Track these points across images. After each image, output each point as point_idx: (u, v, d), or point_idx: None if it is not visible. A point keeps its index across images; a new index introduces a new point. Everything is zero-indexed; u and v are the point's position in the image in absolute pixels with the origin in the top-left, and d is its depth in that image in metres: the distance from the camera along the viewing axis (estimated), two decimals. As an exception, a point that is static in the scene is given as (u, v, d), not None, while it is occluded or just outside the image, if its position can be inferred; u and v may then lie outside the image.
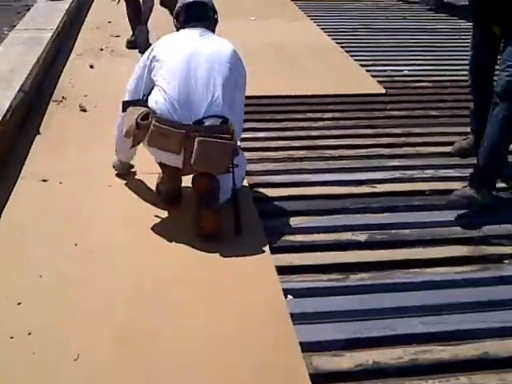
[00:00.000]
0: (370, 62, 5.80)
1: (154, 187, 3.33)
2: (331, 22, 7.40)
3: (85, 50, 5.82)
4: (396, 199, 3.44)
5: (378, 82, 5.26)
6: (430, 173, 3.74)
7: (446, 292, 2.71)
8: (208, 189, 2.94)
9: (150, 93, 3.08)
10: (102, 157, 3.54)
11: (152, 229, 3.02)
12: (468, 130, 4.02)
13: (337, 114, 4.58)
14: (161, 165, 3.16)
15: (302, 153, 3.97)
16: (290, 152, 3.97)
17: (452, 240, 3.09)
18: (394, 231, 3.16)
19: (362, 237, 3.10)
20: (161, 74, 3.05)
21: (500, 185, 3.53)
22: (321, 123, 4.43)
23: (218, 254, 2.82)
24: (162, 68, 3.05)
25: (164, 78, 3.03)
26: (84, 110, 4.38)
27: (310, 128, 4.35)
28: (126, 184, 3.42)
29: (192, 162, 2.87)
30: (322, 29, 6.99)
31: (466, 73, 5.49)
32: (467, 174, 3.57)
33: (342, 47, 6.25)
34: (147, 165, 3.32)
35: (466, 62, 5.82)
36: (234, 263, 2.77)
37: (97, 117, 4.26)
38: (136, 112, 3.00)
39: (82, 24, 6.81)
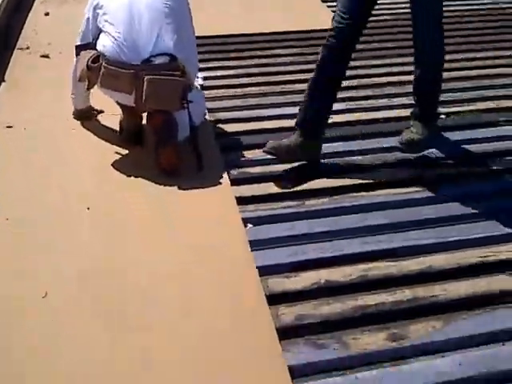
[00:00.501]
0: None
1: (116, 127, 3.43)
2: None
3: (49, -3, 5.79)
4: (350, 129, 3.59)
5: (338, 16, 5.28)
6: (383, 102, 3.88)
7: (393, 212, 2.87)
8: (164, 125, 3.05)
9: (98, 37, 3.16)
10: (68, 101, 3.60)
11: (113, 166, 3.15)
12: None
13: (296, 50, 4.67)
14: (118, 103, 3.27)
15: (262, 88, 4.08)
16: (251, 88, 4.08)
17: (398, 163, 3.26)
18: (347, 158, 3.31)
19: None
20: (105, 19, 3.11)
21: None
22: (281, 59, 4.51)
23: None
24: (106, 14, 3.12)
25: (109, 22, 3.10)
26: (47, 57, 4.42)
27: (270, 64, 4.44)
28: (88, 127, 3.52)
29: (143, 100, 2.97)
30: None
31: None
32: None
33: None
34: (110, 106, 3.41)
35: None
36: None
37: (61, 63, 4.28)
38: (87, 55, 3.09)
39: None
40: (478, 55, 4.59)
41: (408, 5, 5.15)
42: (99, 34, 3.15)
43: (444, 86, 4.00)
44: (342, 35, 3.14)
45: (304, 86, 4.03)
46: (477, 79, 4.21)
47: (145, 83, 2.94)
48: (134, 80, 2.97)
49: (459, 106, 3.85)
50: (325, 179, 3.14)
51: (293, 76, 4.24)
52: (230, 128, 3.60)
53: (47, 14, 5.35)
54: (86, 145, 3.36)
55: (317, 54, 4.52)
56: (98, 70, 3.01)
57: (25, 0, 5.69)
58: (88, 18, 3.22)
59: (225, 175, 3.11)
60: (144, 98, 2.96)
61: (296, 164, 3.22)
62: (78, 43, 3.26)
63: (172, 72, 3.00)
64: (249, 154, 3.34)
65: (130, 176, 3.06)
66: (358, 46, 4.60)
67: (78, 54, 3.22)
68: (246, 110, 3.80)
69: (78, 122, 3.54)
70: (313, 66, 4.29)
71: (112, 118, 3.48)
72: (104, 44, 3.08)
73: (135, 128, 3.33)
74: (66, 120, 3.55)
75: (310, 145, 3.17)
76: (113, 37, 3.05)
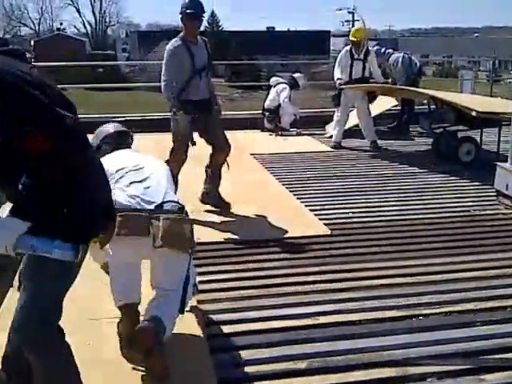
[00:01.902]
0: (319, 207, 6.31)
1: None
2: (286, 172, 7.98)
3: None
4: (335, 329, 3.77)
5: (324, 224, 5.72)
6: (366, 304, 4.09)
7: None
8: (151, 344, 3.16)
9: None
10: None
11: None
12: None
13: (285, 255, 4.96)
14: (120, 308, 3.44)
15: (251, 292, 4.28)
16: (241, 291, 4.30)
17: (380, 363, 3.40)
18: (332, 358, 3.46)
19: (301, 365, 3.40)
20: (117, 180, 3.41)
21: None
22: (270, 264, 4.80)
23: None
24: (116, 176, 3.43)
25: (119, 180, 3.41)
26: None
27: (259, 269, 4.70)
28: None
29: (160, 239, 3.20)
30: (278, 179, 7.53)
31: (406, 212, 6.11)
32: (399, 304, 4.04)
33: (294, 195, 6.78)
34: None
35: (409, 202, 6.49)
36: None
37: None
38: None
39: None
40: (456, 259, 4.88)
41: (390, 212, 5.63)
42: None
43: (425, 288, 4.30)
44: None
45: (290, 289, 4.32)
46: (453, 282, 4.45)
47: (161, 221, 3.22)
48: (150, 221, 3.23)
49: (439, 307, 4.05)
50: (307, 378, 3.29)
51: (280, 280, 4.49)
52: (220, 329, 3.78)
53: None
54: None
55: (302, 258, 4.88)
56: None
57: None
58: None
59: (213, 377, 3.25)
60: (161, 236, 3.20)
61: (284, 365, 3.40)
62: None
63: (182, 215, 3.35)
64: (239, 355, 3.51)
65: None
66: (345, 252, 5.01)
67: None
68: (237, 313, 3.98)
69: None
70: (298, 270, 4.64)
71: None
72: (115, 199, 3.15)
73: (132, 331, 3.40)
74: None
75: None
76: (125, 190, 3.35)
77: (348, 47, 9.63)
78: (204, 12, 5.89)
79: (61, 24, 75.39)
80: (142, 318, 3.40)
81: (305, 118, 11.31)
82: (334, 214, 6.11)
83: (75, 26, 79.49)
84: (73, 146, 2.36)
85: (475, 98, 10.56)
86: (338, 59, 9.78)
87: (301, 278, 4.52)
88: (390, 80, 10.35)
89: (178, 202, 3.43)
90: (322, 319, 3.91)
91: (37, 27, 75.82)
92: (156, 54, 34.94)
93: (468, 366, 3.38)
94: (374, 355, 3.47)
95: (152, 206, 3.33)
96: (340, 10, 56.54)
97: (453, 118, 8.46)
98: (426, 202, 6.52)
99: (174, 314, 3.31)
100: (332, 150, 9.49)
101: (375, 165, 8.44)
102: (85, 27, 76.45)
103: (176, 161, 5.82)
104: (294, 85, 11.29)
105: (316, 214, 6.04)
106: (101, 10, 77.14)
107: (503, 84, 24.27)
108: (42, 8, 77.46)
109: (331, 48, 54.82)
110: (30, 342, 2.51)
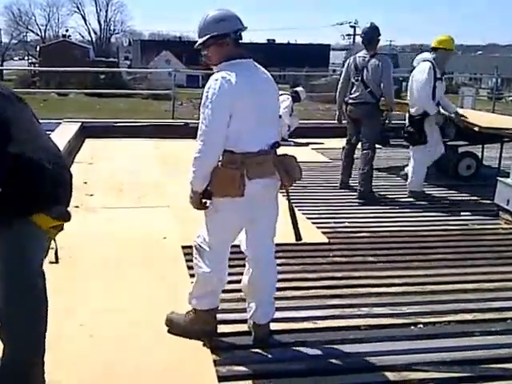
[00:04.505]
0: (317, 216, 6.36)
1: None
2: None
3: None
4: (334, 334, 3.79)
5: (322, 232, 5.77)
6: (364, 310, 4.12)
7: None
8: None
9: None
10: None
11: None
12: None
13: (285, 261, 4.95)
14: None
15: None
16: (242, 293, 4.30)
17: (380, 368, 3.42)
18: (331, 360, 3.49)
19: (302, 365, 3.44)
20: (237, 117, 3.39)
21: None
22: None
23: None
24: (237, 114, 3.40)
25: (239, 121, 3.38)
26: (56, 262, 4.67)
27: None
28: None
29: (288, 175, 3.53)
30: (276, 187, 7.55)
31: (404, 224, 6.13)
32: (398, 312, 4.08)
33: (293, 203, 6.75)
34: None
35: (407, 214, 6.50)
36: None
37: (70, 268, 4.60)
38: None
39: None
40: (456, 271, 4.92)
41: (387, 223, 5.69)
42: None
43: (424, 298, 4.31)
44: None
45: (290, 293, 4.32)
46: (453, 293, 4.48)
47: (283, 160, 3.50)
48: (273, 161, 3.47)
49: (438, 316, 4.07)
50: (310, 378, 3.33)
51: (280, 284, 4.49)
52: (222, 329, 3.80)
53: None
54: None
55: (302, 264, 4.88)
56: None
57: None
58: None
59: (213, 372, 3.30)
60: (290, 171, 3.52)
61: (283, 366, 3.43)
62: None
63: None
64: (239, 354, 3.54)
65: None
66: (343, 260, 5.02)
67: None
68: (238, 313, 3.99)
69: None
70: (298, 276, 4.65)
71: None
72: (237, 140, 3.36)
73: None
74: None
75: None
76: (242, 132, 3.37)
77: (430, 64, 7.09)
78: (371, 35, 7.27)
79: (66, 31, 76.08)
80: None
81: (304, 129, 11.40)
82: (332, 223, 6.16)
83: (80, 34, 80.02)
84: None
85: (477, 114, 10.56)
86: (422, 79, 7.08)
87: (301, 283, 4.55)
88: None
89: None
90: (320, 323, 3.93)
91: (43, 33, 76.28)
92: (157, 62, 35.02)
93: (467, 374, 3.41)
94: (374, 359, 3.49)
95: (265, 147, 3.49)
96: (341, 24, 56.85)
97: (453, 132, 8.46)
98: (425, 214, 6.57)
99: None
100: (330, 160, 9.49)
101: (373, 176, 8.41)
102: (89, 35, 76.88)
103: None
104: (295, 98, 11.41)
105: (314, 223, 6.07)
106: (106, 18, 77.62)
107: (504, 102, 24.39)
108: (49, 15, 78.09)
109: (331, 61, 54.95)
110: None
